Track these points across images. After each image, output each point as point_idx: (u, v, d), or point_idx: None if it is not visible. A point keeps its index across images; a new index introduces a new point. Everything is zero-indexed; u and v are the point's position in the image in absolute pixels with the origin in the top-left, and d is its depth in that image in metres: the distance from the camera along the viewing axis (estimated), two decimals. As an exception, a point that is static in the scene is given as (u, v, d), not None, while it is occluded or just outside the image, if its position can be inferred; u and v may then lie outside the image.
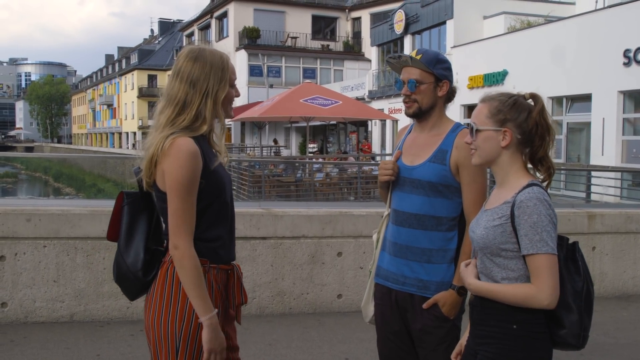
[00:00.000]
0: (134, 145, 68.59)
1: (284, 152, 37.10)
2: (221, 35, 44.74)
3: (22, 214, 5.40)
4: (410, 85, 2.81)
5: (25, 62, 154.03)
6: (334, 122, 31.27)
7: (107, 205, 5.85)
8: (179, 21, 76.35)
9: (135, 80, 69.57)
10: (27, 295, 5.42)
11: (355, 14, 43.89)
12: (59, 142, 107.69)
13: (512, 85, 21.49)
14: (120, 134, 77.81)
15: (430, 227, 2.79)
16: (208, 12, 46.67)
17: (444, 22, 27.41)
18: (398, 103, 29.46)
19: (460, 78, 23.31)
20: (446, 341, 2.70)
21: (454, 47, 25.95)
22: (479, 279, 2.38)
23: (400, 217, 2.86)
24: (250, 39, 40.21)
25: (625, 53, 17.65)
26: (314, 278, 6.04)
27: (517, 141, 2.36)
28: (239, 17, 41.52)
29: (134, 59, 72.75)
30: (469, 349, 2.45)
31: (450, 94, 2.91)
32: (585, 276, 2.37)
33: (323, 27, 44.40)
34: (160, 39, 79.25)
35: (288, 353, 4.89)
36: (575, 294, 2.34)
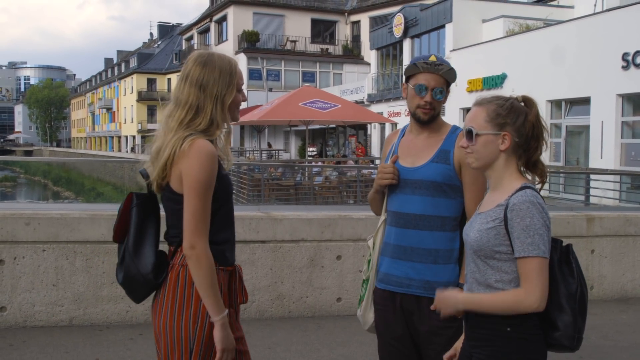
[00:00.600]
0: (132, 148, 68.59)
1: (284, 156, 37.12)
2: (220, 39, 44.79)
3: (21, 217, 5.40)
4: (440, 95, 2.84)
5: (24, 65, 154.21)
6: (333, 125, 31.31)
7: (107, 209, 5.86)
8: (179, 25, 76.43)
9: (134, 83, 69.58)
10: (26, 299, 5.41)
11: (354, 18, 43.95)
12: (58, 145, 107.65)
13: (511, 89, 21.50)
14: (119, 137, 77.78)
15: (435, 228, 2.80)
16: (207, 15, 46.72)
17: (443, 26, 27.44)
18: (397, 106, 29.51)
19: (459, 81, 23.15)
20: (454, 341, 2.69)
21: (453, 50, 25.98)
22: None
23: (404, 219, 2.85)
24: (249, 43, 40.25)
25: (624, 56, 17.67)
26: (313, 281, 6.04)
27: (515, 145, 2.36)
28: (238, 21, 41.57)
29: (133, 62, 72.78)
30: (464, 352, 2.46)
31: None
32: (579, 279, 2.36)
33: (322, 31, 44.45)
34: (159, 42, 79.31)
35: (288, 356, 4.89)
36: (569, 297, 2.34)
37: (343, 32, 44.48)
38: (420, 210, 2.82)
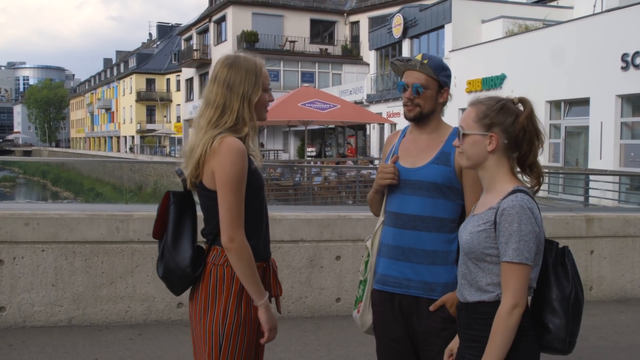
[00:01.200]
0: (131, 149, 68.59)
1: (283, 156, 37.12)
2: (219, 39, 44.78)
3: (21, 217, 5.40)
4: (414, 90, 2.82)
5: (23, 66, 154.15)
6: (333, 126, 31.31)
7: (106, 210, 5.86)
8: (178, 25, 76.47)
9: (133, 84, 69.59)
10: (25, 300, 5.41)
11: (353, 18, 43.95)
12: (57, 146, 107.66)
13: (511, 89, 21.52)
14: (118, 137, 77.80)
15: (434, 229, 2.79)
16: (206, 16, 46.71)
17: (442, 26, 27.46)
18: (396, 107, 29.50)
19: (458, 82, 23.37)
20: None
21: (452, 51, 26.00)
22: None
23: (403, 220, 2.85)
24: (248, 43, 40.23)
25: (623, 57, 17.69)
26: (312, 282, 6.04)
27: (504, 146, 2.35)
28: (237, 21, 41.56)
29: (132, 62, 72.79)
30: (460, 352, 2.47)
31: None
32: (574, 282, 2.35)
33: (321, 31, 44.45)
34: (158, 43, 79.32)
35: (287, 357, 4.89)
36: (562, 299, 2.34)
37: (342, 32, 44.48)
38: (419, 211, 2.81)
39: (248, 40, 40.32)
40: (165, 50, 71.27)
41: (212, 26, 45.84)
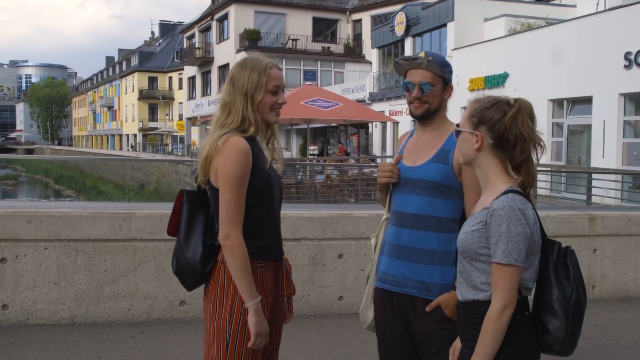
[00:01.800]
0: (133, 147, 68.63)
1: (285, 155, 37.05)
2: (222, 38, 44.76)
3: (23, 216, 5.40)
4: (425, 88, 2.82)
5: (25, 64, 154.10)
6: (335, 124, 31.28)
7: (108, 208, 5.87)
8: (180, 23, 76.39)
9: (135, 82, 69.60)
10: (28, 298, 5.42)
11: (356, 16, 43.90)
12: (59, 144, 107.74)
13: (513, 88, 21.51)
14: (120, 136, 77.83)
15: (432, 228, 2.78)
16: (209, 14, 46.70)
17: (444, 25, 27.42)
18: (399, 105, 29.48)
19: (461, 80, 23.33)
20: (450, 343, 2.68)
21: (455, 49, 25.97)
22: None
23: (402, 219, 2.85)
24: (250, 41, 40.21)
25: (626, 56, 17.66)
26: (315, 280, 6.04)
27: (490, 145, 2.35)
28: (239, 19, 41.53)
29: (135, 61, 72.79)
30: (460, 351, 2.47)
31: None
32: (575, 283, 2.34)
33: (324, 29, 44.40)
34: (160, 41, 79.35)
35: (289, 355, 4.89)
36: (563, 300, 2.33)
37: (344, 30, 44.44)
38: (417, 210, 2.81)
39: (250, 38, 40.31)
40: (167, 49, 71.26)
41: (214, 24, 45.83)
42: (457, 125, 2.47)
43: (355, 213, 6.23)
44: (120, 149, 75.74)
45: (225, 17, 43.56)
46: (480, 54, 24.55)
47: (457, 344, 2.55)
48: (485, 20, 26.54)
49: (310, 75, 41.26)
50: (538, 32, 22.19)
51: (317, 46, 43.07)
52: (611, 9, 19.41)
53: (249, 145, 2.57)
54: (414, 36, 30.36)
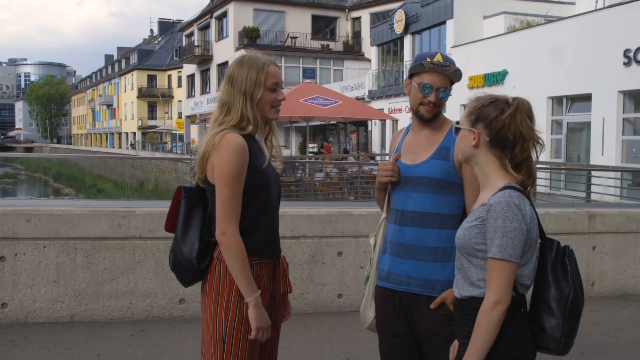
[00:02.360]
0: (132, 145, 68.61)
1: (284, 152, 37.05)
2: (221, 35, 44.73)
3: (22, 214, 5.40)
4: (444, 95, 2.82)
5: (24, 62, 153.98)
6: (334, 122, 31.27)
7: (107, 206, 5.86)
8: (179, 21, 76.37)
9: (134, 80, 69.59)
10: (27, 296, 5.41)
11: (355, 14, 43.86)
12: (58, 142, 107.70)
13: (512, 85, 21.50)
14: (119, 134, 77.82)
15: (435, 225, 2.78)
16: (208, 12, 46.65)
17: (444, 22, 27.40)
18: (398, 103, 29.49)
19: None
20: (454, 339, 2.68)
21: (454, 47, 25.94)
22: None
23: (404, 217, 2.84)
24: (250, 39, 40.18)
25: (626, 53, 17.65)
26: (314, 278, 6.04)
27: (487, 143, 2.36)
28: (238, 17, 41.50)
29: (134, 59, 72.78)
30: (458, 348, 2.48)
31: None
32: (573, 282, 2.34)
33: (323, 27, 44.36)
34: (159, 39, 79.25)
35: (289, 353, 4.89)
36: (559, 299, 2.33)
37: (344, 28, 44.40)
38: (420, 207, 2.81)
39: (249, 36, 40.27)
40: (166, 47, 71.22)
41: (213, 22, 45.78)
42: (457, 122, 2.48)
43: (355, 211, 6.22)
44: (120, 147, 75.71)
45: (224, 15, 43.52)
46: (479, 51, 24.54)
47: (457, 342, 2.56)
48: (485, 17, 26.51)
49: (309, 73, 41.20)
50: (537, 30, 22.17)
51: (316, 44, 43.04)
52: (610, 6, 19.41)
53: (245, 142, 2.58)
54: (413, 34, 30.33)
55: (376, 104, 31.22)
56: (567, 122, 20.51)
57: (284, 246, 5.85)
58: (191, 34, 51.20)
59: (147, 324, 5.53)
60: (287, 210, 6.07)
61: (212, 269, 2.65)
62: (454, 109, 23.40)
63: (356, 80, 36.63)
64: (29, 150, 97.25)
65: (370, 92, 33.51)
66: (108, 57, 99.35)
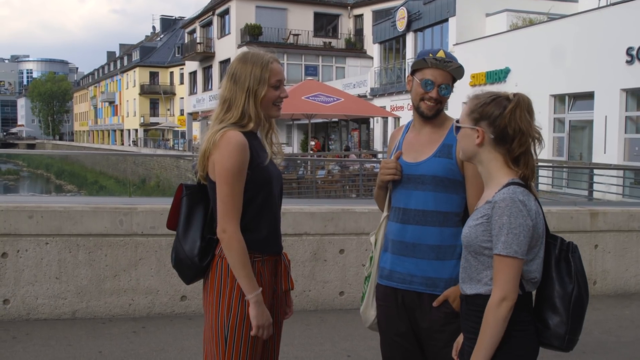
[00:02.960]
0: (134, 142, 68.65)
1: (286, 150, 37.05)
2: (223, 32, 44.70)
3: (24, 210, 5.40)
4: (446, 91, 2.81)
5: (26, 59, 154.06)
6: (336, 119, 31.25)
7: (109, 202, 5.86)
8: (181, 18, 76.36)
9: (137, 77, 69.60)
10: (29, 292, 5.42)
11: (357, 11, 43.82)
12: (60, 139, 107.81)
13: (515, 83, 21.47)
14: (122, 131, 77.89)
15: (437, 223, 2.77)
16: (210, 9, 46.63)
17: (446, 20, 27.39)
18: (400, 100, 29.47)
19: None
20: (457, 337, 2.68)
21: (456, 44, 25.92)
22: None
23: (407, 215, 2.83)
24: (252, 36, 40.15)
25: (628, 51, 17.62)
26: (316, 275, 6.04)
27: (491, 140, 2.36)
28: (240, 14, 41.47)
29: (136, 56, 72.79)
30: (463, 343, 2.48)
31: None
32: (577, 279, 2.34)
33: (325, 24, 44.32)
34: (162, 36, 79.27)
35: (290, 350, 4.89)
36: (564, 296, 2.33)
37: (346, 25, 44.36)
38: (422, 205, 2.80)
39: (251, 33, 40.24)
40: (168, 44, 71.23)
41: (215, 19, 45.77)
42: (457, 121, 2.47)
43: (357, 208, 6.22)
44: (122, 144, 75.77)
45: (227, 12, 43.50)
46: (481, 49, 24.52)
47: (460, 339, 2.56)
48: (487, 15, 26.49)
49: (311, 71, 41.19)
50: (540, 28, 22.15)
51: (318, 41, 43.01)
52: (613, 4, 19.38)
53: (245, 140, 2.58)
54: (415, 31, 30.31)
55: (378, 102, 31.21)
56: (570, 120, 20.48)
57: (286, 243, 5.84)
58: (193, 30, 51.18)
59: (148, 321, 5.53)
60: (289, 207, 6.07)
61: (214, 266, 2.65)
62: (456, 107, 23.41)
63: (358, 77, 36.62)
64: (31, 147, 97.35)
65: (372, 89, 33.50)
66: (110, 54, 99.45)
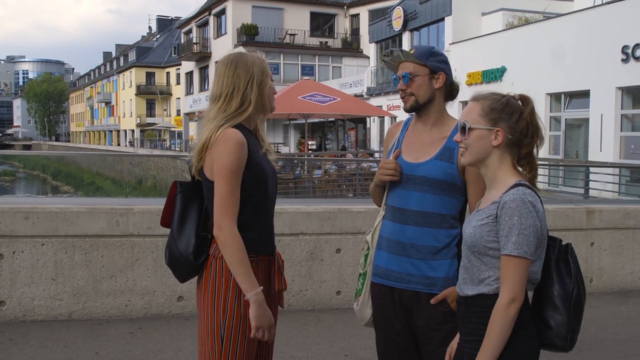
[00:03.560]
0: (131, 142, 68.56)
1: (283, 150, 37.08)
2: (219, 32, 44.67)
3: (20, 212, 5.39)
4: (405, 79, 2.81)
5: (22, 59, 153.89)
6: (333, 119, 31.27)
7: (106, 203, 5.85)
8: (177, 18, 76.29)
9: (133, 77, 69.49)
10: (25, 294, 5.41)
11: (353, 11, 43.83)
12: (57, 140, 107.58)
13: (511, 82, 21.51)
14: (118, 131, 77.76)
15: (435, 225, 2.77)
16: (206, 9, 46.59)
17: (442, 19, 27.42)
18: (396, 100, 29.42)
19: (458, 75, 23.15)
20: (453, 336, 2.68)
21: (452, 43, 25.95)
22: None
23: (405, 215, 2.82)
24: (248, 36, 40.14)
25: (624, 49, 17.66)
26: (312, 275, 6.04)
27: (508, 141, 2.35)
28: (237, 14, 41.45)
29: (132, 56, 72.68)
30: (459, 346, 2.47)
31: (452, 90, 2.90)
32: (576, 279, 2.35)
33: (321, 24, 44.32)
34: (158, 36, 79.14)
35: (287, 350, 4.89)
36: (564, 296, 2.34)
37: (342, 25, 44.36)
38: (420, 207, 2.79)
39: (248, 33, 40.22)
40: (165, 44, 71.12)
41: (211, 19, 45.73)
42: (466, 122, 2.39)
43: (353, 208, 6.22)
44: (118, 144, 75.65)
45: (223, 12, 43.47)
46: (477, 48, 24.55)
47: (454, 344, 2.56)
48: (483, 14, 26.53)
49: (307, 70, 41.20)
50: (535, 26, 22.18)
51: (314, 41, 43.01)
52: (608, 3, 19.40)
53: (244, 138, 2.58)
54: (411, 31, 30.33)
55: (375, 101, 31.24)
56: (566, 119, 20.52)
57: (283, 243, 5.88)
58: (189, 31, 51.14)
59: (145, 322, 5.53)
60: (286, 207, 6.07)
61: (208, 266, 2.64)
62: (453, 106, 23.40)
63: (355, 77, 36.64)
64: (27, 147, 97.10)
65: (368, 89, 33.52)
66: (106, 55, 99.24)
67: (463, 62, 23.52)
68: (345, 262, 6.11)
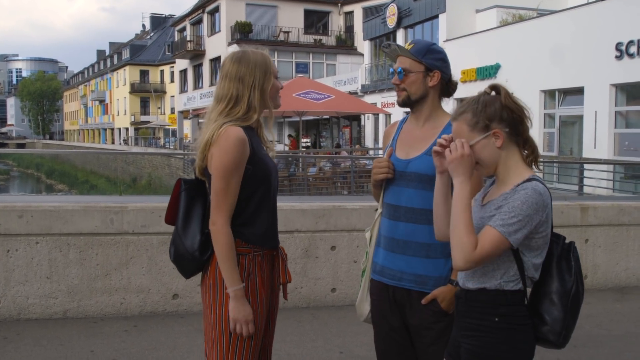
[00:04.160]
0: (125, 141, 68.41)
1: (277, 147, 37.00)
2: (213, 30, 44.60)
3: (14, 210, 5.38)
4: (399, 74, 2.81)
5: (16, 58, 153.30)
6: (327, 116, 31.27)
7: (100, 201, 5.84)
8: (171, 16, 76.06)
9: (127, 75, 69.34)
10: (20, 292, 5.40)
11: (347, 8, 43.81)
12: (50, 138, 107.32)
13: (505, 79, 21.51)
14: (112, 129, 77.60)
15: (427, 222, 2.75)
16: (200, 6, 46.49)
17: (436, 16, 27.41)
18: (391, 97, 29.45)
19: (453, 72, 23.30)
20: (445, 335, 2.68)
21: (447, 40, 25.95)
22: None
23: (398, 212, 2.82)
24: (242, 34, 40.09)
25: (618, 46, 17.69)
26: (307, 272, 6.04)
27: (507, 134, 2.35)
28: (231, 12, 41.39)
29: (126, 54, 72.51)
30: (453, 340, 2.47)
31: (448, 87, 2.90)
32: (576, 277, 2.36)
33: (315, 22, 44.30)
34: (152, 34, 78.98)
35: (282, 347, 4.89)
36: (563, 293, 2.35)
37: (336, 22, 44.35)
38: (412, 203, 2.79)
39: (242, 31, 40.17)
40: (158, 42, 70.98)
41: (205, 17, 45.65)
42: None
43: (348, 205, 6.22)
44: (112, 142, 75.49)
45: (217, 9, 43.40)
46: (472, 45, 24.55)
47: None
48: (477, 11, 26.54)
49: (302, 68, 41.19)
50: (529, 23, 22.20)
51: (309, 38, 42.98)
52: (602, 0, 19.42)
53: (245, 136, 2.63)
54: (405, 28, 30.33)
55: (369, 98, 31.23)
56: (560, 116, 20.55)
57: (278, 241, 5.86)
58: (183, 29, 51.02)
59: (140, 320, 5.52)
60: (281, 204, 6.01)
61: (213, 262, 2.69)
62: (447, 103, 23.39)
63: (349, 74, 36.63)
64: (21, 146, 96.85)
65: (363, 86, 33.51)
66: (100, 53, 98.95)
67: (457, 60, 23.43)
68: (340, 259, 6.11)
